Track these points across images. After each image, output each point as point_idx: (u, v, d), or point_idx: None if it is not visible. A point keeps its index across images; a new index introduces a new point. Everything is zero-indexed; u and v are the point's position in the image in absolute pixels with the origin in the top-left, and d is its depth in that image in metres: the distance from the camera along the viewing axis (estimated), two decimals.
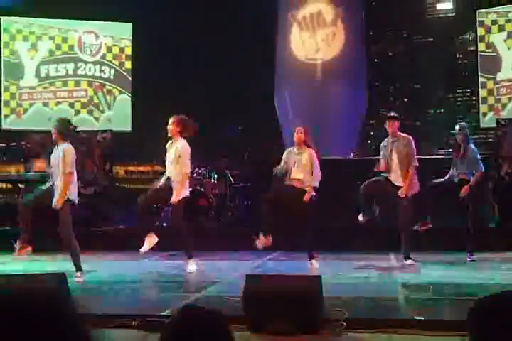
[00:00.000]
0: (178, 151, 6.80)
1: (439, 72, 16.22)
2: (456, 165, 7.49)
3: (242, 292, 4.15)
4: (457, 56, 16.69)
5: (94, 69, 12.99)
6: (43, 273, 5.13)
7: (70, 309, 1.18)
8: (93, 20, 12.92)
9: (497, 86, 11.77)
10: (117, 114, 12.91)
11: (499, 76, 11.77)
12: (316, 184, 7.01)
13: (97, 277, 6.47)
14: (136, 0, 12.62)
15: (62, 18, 12.81)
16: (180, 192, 6.73)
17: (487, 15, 12.07)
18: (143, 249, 6.74)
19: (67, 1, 12.33)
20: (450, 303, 4.96)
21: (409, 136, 7.31)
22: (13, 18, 12.76)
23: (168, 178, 6.86)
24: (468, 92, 16.21)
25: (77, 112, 12.78)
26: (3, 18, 12.66)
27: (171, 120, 6.92)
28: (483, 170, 7.45)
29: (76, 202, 6.38)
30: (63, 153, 6.28)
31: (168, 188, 6.75)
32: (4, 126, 12.53)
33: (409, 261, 7.00)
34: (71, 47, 12.93)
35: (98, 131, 11.15)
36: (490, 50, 11.91)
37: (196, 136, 6.94)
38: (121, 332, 4.07)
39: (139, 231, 6.98)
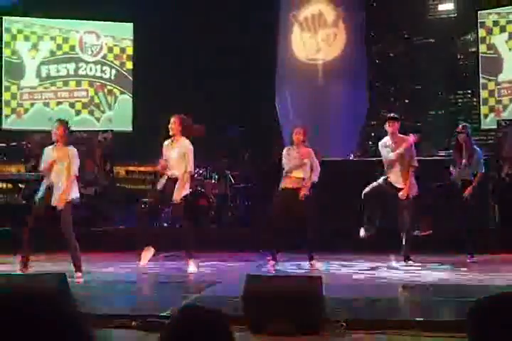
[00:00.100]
0: (182, 150, 6.83)
1: (439, 72, 16.19)
2: (461, 169, 7.45)
3: (242, 292, 4.15)
4: (458, 57, 16.66)
5: (95, 70, 13.00)
6: (43, 273, 5.13)
7: (71, 309, 1.18)
8: (94, 20, 12.94)
9: (498, 87, 11.77)
10: (118, 114, 12.92)
11: (500, 77, 11.77)
12: (316, 179, 7.07)
13: (97, 277, 6.47)
14: (137, 0, 12.62)
15: (64, 18, 12.83)
16: (182, 189, 6.77)
17: (488, 16, 12.07)
18: (141, 263, 6.80)
19: (69, 2, 12.34)
20: (450, 304, 4.96)
21: (409, 137, 7.31)
22: (14, 18, 12.78)
23: (168, 179, 6.87)
24: (469, 93, 16.19)
25: (78, 112, 12.79)
26: (4, 17, 12.67)
27: (172, 119, 6.94)
28: (483, 170, 7.45)
29: (78, 201, 6.43)
30: (71, 156, 6.35)
31: (170, 189, 6.78)
32: (5, 126, 12.54)
33: (409, 262, 7.01)
34: (72, 48, 12.94)
35: (99, 131, 11.14)
36: (491, 51, 11.90)
37: (201, 136, 6.95)
38: (121, 332, 4.07)
39: (139, 231, 6.98)
